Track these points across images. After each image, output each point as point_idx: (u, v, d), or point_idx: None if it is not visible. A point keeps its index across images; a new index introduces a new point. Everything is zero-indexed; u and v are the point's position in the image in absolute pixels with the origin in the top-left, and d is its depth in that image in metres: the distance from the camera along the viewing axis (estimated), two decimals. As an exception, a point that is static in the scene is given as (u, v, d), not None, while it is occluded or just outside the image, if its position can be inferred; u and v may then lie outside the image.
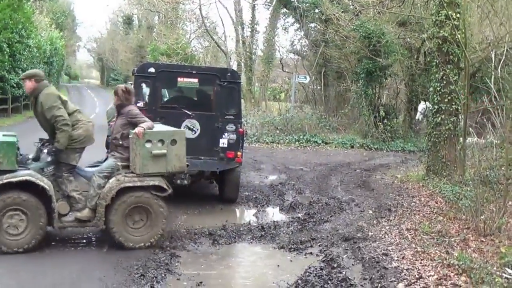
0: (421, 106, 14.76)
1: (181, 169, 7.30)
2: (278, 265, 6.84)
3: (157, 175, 7.12)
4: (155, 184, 7.10)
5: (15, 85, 28.05)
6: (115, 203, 6.99)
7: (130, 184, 7.01)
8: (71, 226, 7.13)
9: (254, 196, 10.84)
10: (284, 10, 31.72)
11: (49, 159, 7.02)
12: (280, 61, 33.88)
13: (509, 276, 5.83)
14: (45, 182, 6.78)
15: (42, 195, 6.78)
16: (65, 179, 7.02)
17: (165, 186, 7.16)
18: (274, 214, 9.73)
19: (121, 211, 6.99)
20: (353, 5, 23.64)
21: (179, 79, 9.82)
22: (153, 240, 7.18)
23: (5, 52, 25.39)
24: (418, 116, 15.00)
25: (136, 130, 7.03)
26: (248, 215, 9.63)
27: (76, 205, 7.02)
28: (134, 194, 7.04)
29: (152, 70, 9.66)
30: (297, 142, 20.74)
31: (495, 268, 6.15)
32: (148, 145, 7.00)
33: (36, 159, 7.06)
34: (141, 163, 6.99)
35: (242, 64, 32.53)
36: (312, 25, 29.29)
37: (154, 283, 5.99)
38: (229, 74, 9.90)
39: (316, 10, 26.83)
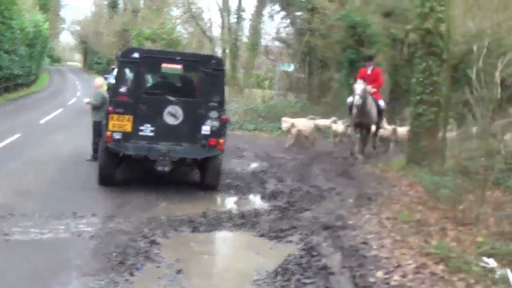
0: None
1: None
2: (258, 253, 6.88)
3: None
4: None
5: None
6: None
7: None
8: None
9: (235, 184, 10.82)
10: (271, -3, 31.61)
11: None
12: (265, 49, 33.84)
13: (485, 265, 5.92)
14: None
15: None
16: None
17: None
18: (255, 202, 9.74)
19: None
20: (339, -5, 23.62)
21: (163, 65, 9.73)
22: None
23: (-13, 34, 25.00)
24: None
25: None
26: (229, 202, 9.64)
27: None
28: None
29: (136, 55, 9.56)
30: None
31: (472, 257, 6.22)
32: None
33: None
34: None
35: (227, 51, 32.41)
36: (298, 13, 29.25)
37: (133, 270, 5.94)
38: (213, 61, 9.85)
39: (303, -1, 26.84)
